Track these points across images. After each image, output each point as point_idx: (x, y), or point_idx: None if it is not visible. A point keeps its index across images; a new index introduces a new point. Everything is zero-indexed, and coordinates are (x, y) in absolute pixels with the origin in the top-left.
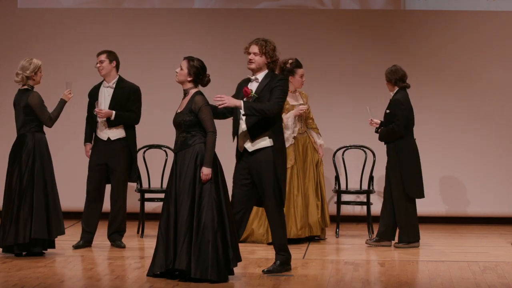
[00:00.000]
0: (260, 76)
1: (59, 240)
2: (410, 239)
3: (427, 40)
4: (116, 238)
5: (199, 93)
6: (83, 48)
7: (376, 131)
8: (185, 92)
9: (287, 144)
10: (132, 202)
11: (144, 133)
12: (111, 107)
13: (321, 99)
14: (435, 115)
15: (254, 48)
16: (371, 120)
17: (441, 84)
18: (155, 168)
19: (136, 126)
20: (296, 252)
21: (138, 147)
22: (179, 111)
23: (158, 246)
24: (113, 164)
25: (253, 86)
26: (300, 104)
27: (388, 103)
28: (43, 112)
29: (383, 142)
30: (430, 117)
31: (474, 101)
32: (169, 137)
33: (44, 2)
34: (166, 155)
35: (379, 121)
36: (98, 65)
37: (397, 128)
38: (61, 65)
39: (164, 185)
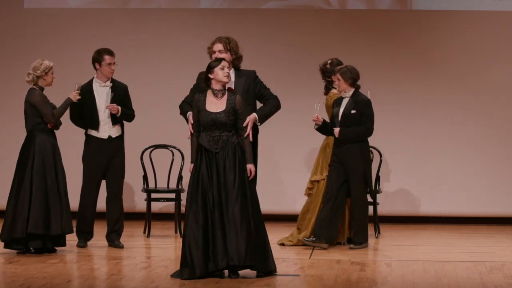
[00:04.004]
0: (231, 73)
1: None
2: (365, 239)
3: (433, 39)
4: (114, 238)
5: (235, 92)
6: (89, 48)
7: (317, 129)
8: (222, 92)
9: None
10: (139, 202)
11: (150, 133)
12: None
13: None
14: (442, 114)
15: (219, 46)
16: (316, 116)
17: (447, 83)
18: (162, 168)
19: (141, 125)
20: (302, 252)
21: (144, 147)
22: (216, 110)
23: (193, 248)
24: (114, 162)
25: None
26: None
27: (349, 103)
28: (45, 109)
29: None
30: (437, 116)
31: (481, 100)
32: (175, 136)
33: (51, 2)
34: (173, 155)
35: (322, 119)
36: (113, 67)
37: (371, 129)
38: (67, 65)
39: (171, 185)
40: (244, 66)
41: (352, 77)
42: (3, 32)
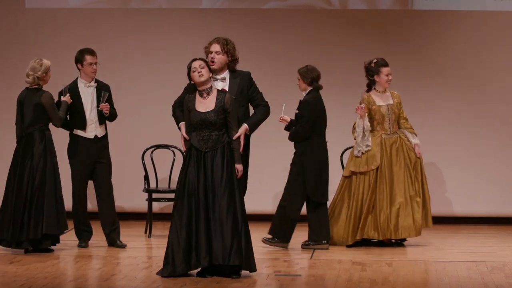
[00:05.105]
0: (226, 75)
1: (66, 240)
2: (320, 238)
3: (434, 40)
4: (115, 237)
5: (223, 91)
6: (90, 47)
7: (285, 129)
8: (207, 91)
9: (362, 149)
10: (140, 202)
11: (151, 133)
12: (98, 105)
13: (328, 99)
14: (443, 116)
15: (216, 47)
16: (281, 117)
17: (449, 85)
18: (163, 168)
19: (142, 125)
20: (304, 252)
21: (145, 147)
22: (206, 110)
23: (175, 247)
24: (102, 160)
25: (219, 86)
26: (387, 104)
27: (299, 103)
28: (56, 112)
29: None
30: (438, 115)
31: (483, 102)
32: (176, 137)
33: (52, 1)
34: (174, 155)
35: (288, 119)
36: (95, 67)
37: (301, 129)
38: (68, 65)
39: (172, 185)
40: (244, 66)
41: (311, 77)
42: (4, 32)
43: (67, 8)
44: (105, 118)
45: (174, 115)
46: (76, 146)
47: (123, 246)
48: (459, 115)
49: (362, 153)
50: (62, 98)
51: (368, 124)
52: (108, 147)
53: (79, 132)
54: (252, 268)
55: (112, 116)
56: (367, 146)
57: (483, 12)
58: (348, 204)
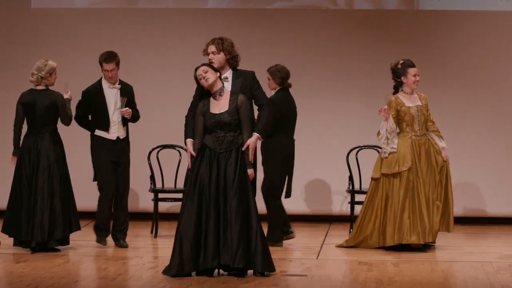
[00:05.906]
0: (228, 74)
1: (73, 240)
2: (276, 238)
3: (440, 40)
4: (120, 237)
5: (236, 92)
6: (96, 47)
7: None
8: (219, 92)
9: (387, 150)
10: (146, 202)
11: (157, 133)
12: (122, 107)
13: (333, 98)
14: (449, 117)
15: (211, 48)
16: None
17: (454, 85)
18: (169, 168)
19: (149, 125)
20: (310, 253)
21: (151, 147)
22: (220, 111)
23: (183, 245)
24: (122, 161)
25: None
26: (417, 106)
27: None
28: (68, 112)
29: None
30: (445, 115)
31: (491, 102)
32: (182, 137)
33: (58, 2)
34: (180, 155)
35: None
36: (110, 74)
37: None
38: (74, 65)
39: (178, 185)
40: (248, 66)
41: (281, 77)
42: (10, 32)
43: (73, 8)
44: (127, 120)
45: (185, 125)
46: (99, 147)
47: (124, 246)
48: (466, 116)
49: (389, 154)
50: (65, 96)
51: (392, 126)
52: (129, 149)
53: (102, 134)
54: (271, 268)
55: (135, 117)
56: (392, 148)
57: (489, 12)
58: (380, 206)
